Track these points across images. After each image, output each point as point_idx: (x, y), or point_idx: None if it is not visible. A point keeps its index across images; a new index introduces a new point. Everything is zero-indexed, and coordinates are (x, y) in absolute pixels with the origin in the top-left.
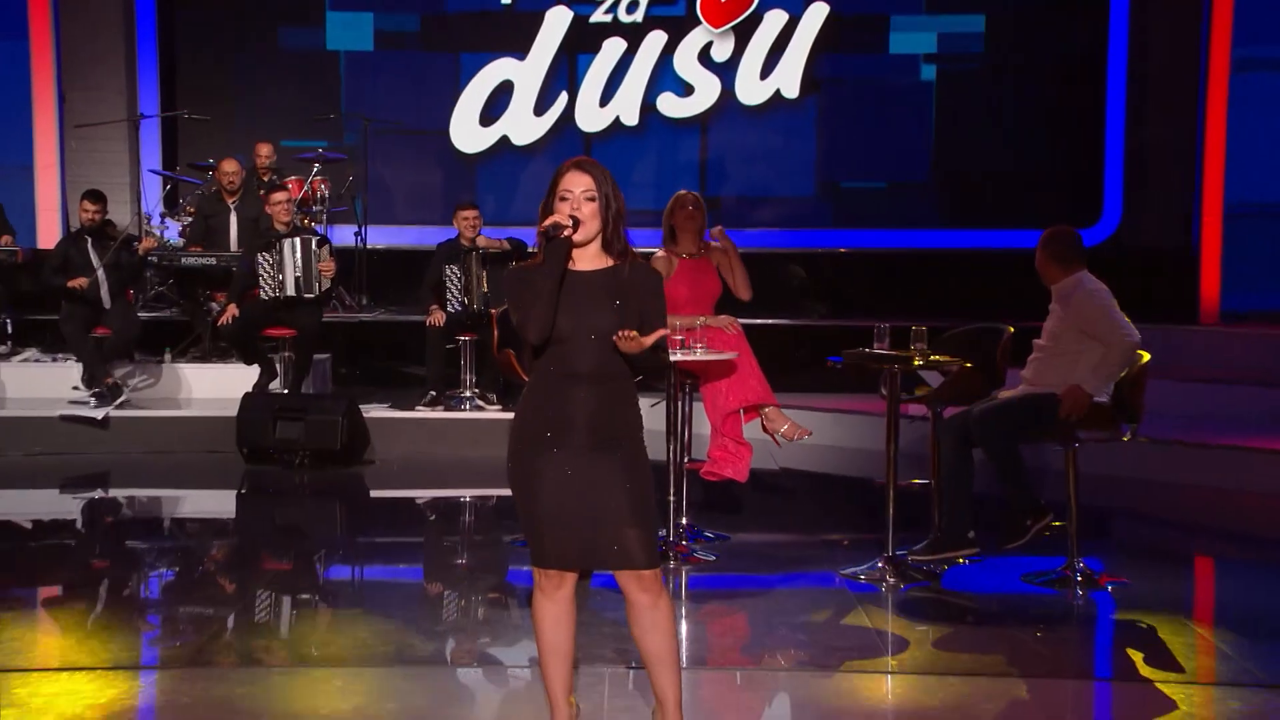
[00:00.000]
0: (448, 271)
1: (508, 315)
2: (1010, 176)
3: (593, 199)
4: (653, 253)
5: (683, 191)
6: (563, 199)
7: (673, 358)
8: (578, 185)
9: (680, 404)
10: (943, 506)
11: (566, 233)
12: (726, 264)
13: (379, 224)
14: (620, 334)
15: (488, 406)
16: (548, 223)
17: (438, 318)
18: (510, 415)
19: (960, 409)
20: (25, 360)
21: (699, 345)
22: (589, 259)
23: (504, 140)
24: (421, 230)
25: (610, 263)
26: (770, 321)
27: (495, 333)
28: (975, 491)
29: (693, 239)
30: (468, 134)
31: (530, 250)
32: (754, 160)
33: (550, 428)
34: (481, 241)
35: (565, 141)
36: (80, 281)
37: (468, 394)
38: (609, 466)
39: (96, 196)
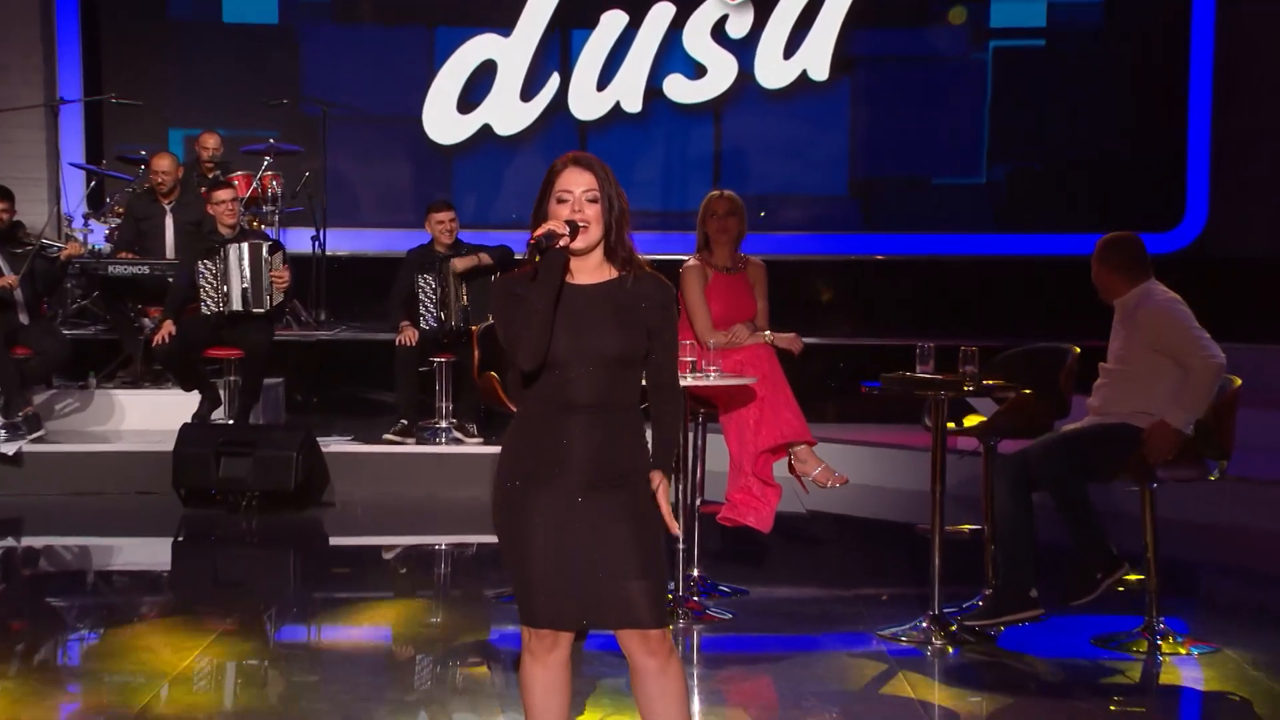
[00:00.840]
0: (420, 282)
1: (491, 332)
2: (1077, 172)
3: (595, 201)
4: (658, 260)
5: (714, 193)
6: (561, 201)
7: (683, 381)
8: (578, 185)
9: (693, 436)
10: (999, 558)
11: (564, 241)
12: (765, 287)
13: (340, 226)
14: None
15: (467, 439)
16: (541, 230)
17: (409, 336)
18: (495, 449)
19: (1018, 443)
20: None
21: (713, 369)
22: (589, 270)
23: (485, 130)
24: (389, 234)
25: (613, 274)
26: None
27: (476, 353)
28: (1037, 540)
29: (727, 250)
30: (443, 122)
31: (518, 258)
32: (776, 153)
33: (543, 464)
34: (459, 265)
35: (556, 131)
36: (8, 281)
37: (444, 424)
38: (611, 510)
39: (3, 194)
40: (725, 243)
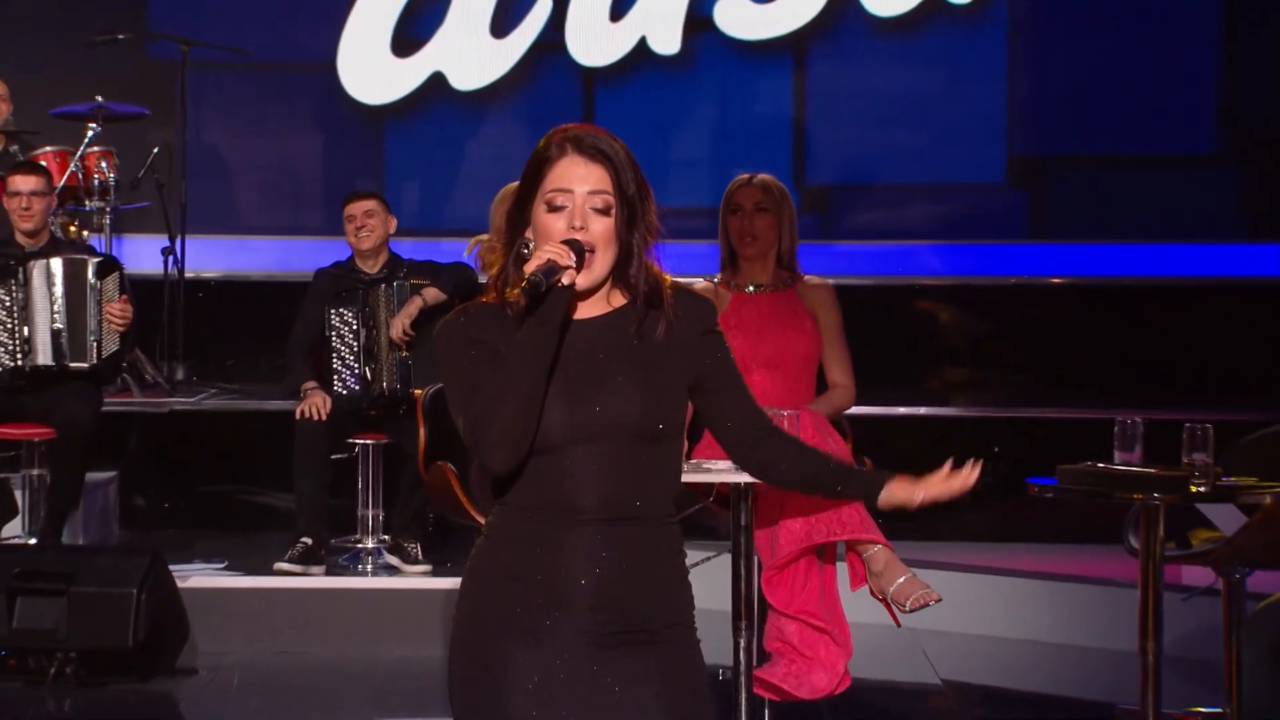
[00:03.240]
0: (335, 320)
1: (443, 398)
2: None
3: (607, 209)
4: (695, 281)
5: (741, 178)
6: (555, 208)
7: (687, 475)
8: (581, 182)
9: (754, 560)
10: None
11: (568, 277)
12: (830, 317)
13: (209, 233)
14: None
15: (407, 566)
16: (539, 263)
17: (316, 404)
18: (452, 584)
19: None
20: None
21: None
22: (589, 301)
23: (436, 82)
24: (286, 246)
25: (622, 300)
26: (907, 410)
27: (422, 432)
28: None
29: (760, 259)
30: (370, 70)
31: (478, 280)
32: (891, 118)
33: (529, 610)
34: (398, 327)
35: (547, 85)
36: None
37: (370, 544)
38: (633, 675)
39: None
40: (753, 255)
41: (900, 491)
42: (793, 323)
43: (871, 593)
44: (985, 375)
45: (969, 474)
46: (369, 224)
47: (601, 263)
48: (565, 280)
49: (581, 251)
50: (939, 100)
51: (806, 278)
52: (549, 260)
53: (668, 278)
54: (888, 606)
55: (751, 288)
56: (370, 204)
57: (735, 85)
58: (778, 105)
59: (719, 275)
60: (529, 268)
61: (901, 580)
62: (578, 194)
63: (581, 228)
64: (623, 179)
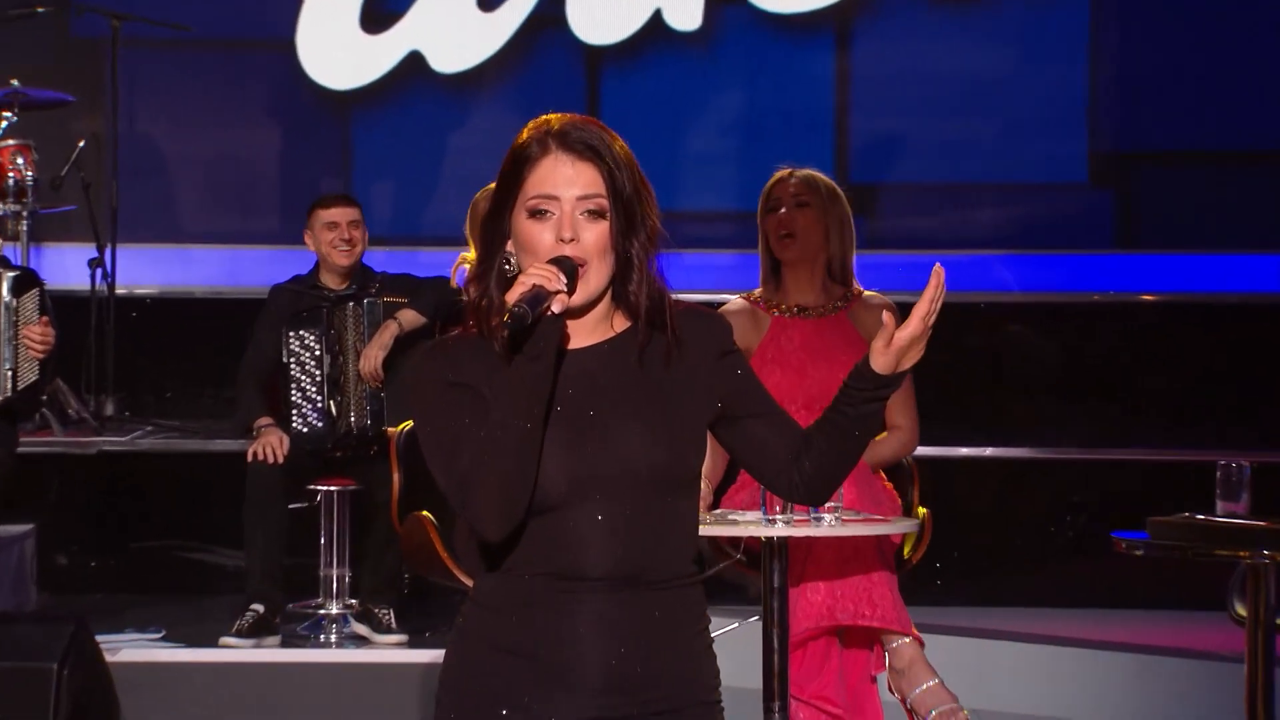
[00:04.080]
0: (294, 345)
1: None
2: None
3: (600, 213)
4: (719, 301)
5: (782, 173)
6: (538, 214)
7: (711, 528)
8: (569, 184)
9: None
10: None
11: (559, 303)
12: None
13: (144, 242)
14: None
15: (379, 637)
16: (519, 293)
17: (271, 444)
18: (433, 657)
19: None
20: None
21: (778, 515)
22: (584, 324)
23: (413, 62)
24: (235, 256)
25: (623, 324)
26: (971, 452)
27: (396, 478)
28: None
29: (805, 266)
30: (336, 49)
31: (457, 299)
32: (951, 106)
33: (525, 686)
34: (368, 362)
35: (543, 66)
36: None
37: (335, 609)
38: None
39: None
40: (798, 261)
41: (880, 355)
42: (844, 354)
43: (889, 689)
44: (1063, 410)
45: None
46: (354, 236)
47: (597, 276)
48: (556, 307)
49: (574, 271)
50: (1008, 85)
51: (865, 296)
52: (535, 286)
53: (670, 294)
54: (907, 711)
55: (795, 310)
56: (355, 212)
57: (767, 67)
58: (817, 91)
59: (757, 291)
60: (511, 296)
61: (927, 686)
62: (565, 198)
63: (572, 238)
64: (617, 178)
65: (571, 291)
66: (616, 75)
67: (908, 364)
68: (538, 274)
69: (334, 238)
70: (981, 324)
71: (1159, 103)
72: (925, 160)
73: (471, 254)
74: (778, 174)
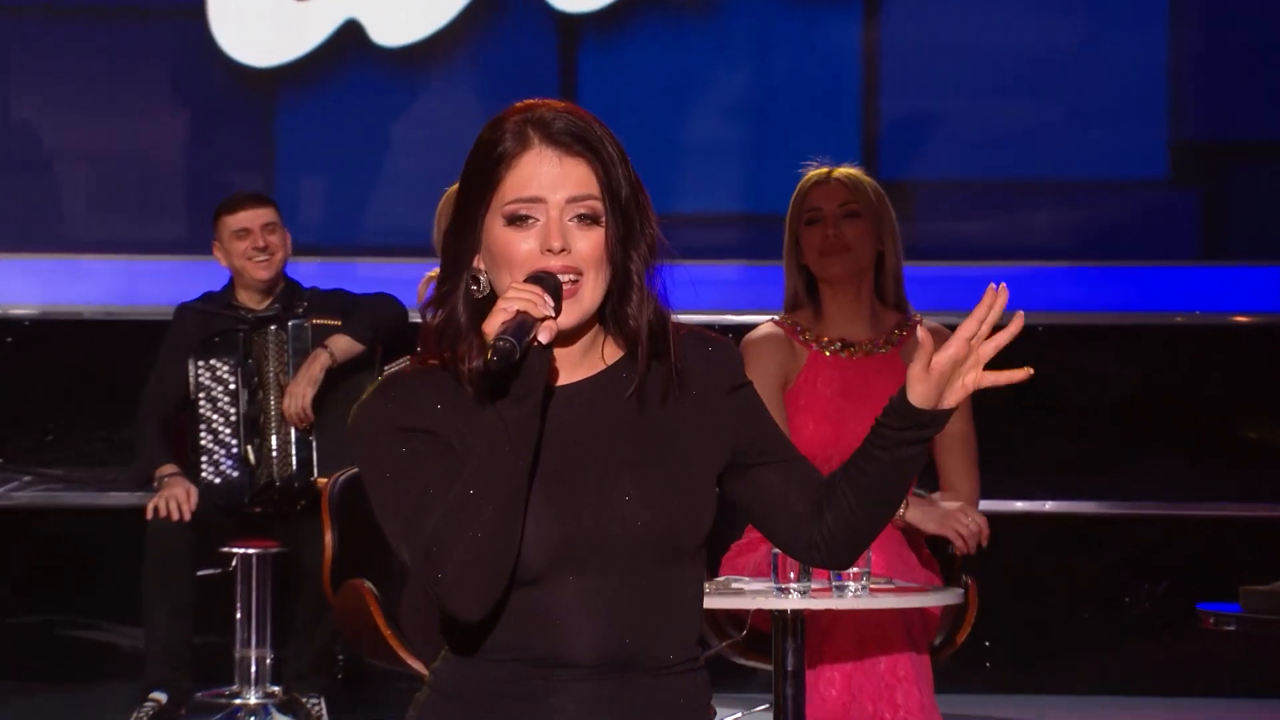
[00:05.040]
0: (204, 378)
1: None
2: None
3: (594, 218)
4: (731, 325)
5: (818, 172)
6: (516, 221)
7: (710, 598)
8: (556, 185)
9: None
10: None
11: (546, 332)
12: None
13: (20, 251)
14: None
15: None
16: (501, 322)
17: (177, 497)
18: None
19: None
20: None
21: (793, 583)
22: (571, 356)
23: (349, 34)
24: (132, 269)
25: (615, 355)
26: (1028, 506)
27: (329, 537)
28: None
29: (851, 286)
30: (255, 19)
31: (416, 317)
32: (1003, 86)
33: None
34: (295, 402)
35: (507, 38)
36: None
37: (253, 699)
38: None
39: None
40: (842, 277)
41: (919, 383)
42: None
43: None
44: (1138, 456)
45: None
46: (270, 243)
47: (592, 293)
48: (544, 336)
49: (558, 290)
50: (1072, 61)
51: (922, 328)
52: (519, 313)
53: (673, 316)
54: None
55: (839, 345)
56: (269, 213)
57: (779, 39)
58: (840, 68)
59: (785, 317)
60: (491, 326)
61: None
62: (552, 201)
63: (562, 248)
64: (613, 177)
65: (558, 314)
66: (596, 50)
67: (952, 400)
68: (520, 297)
69: (246, 247)
70: (1039, 350)
71: (1254, 84)
72: (970, 153)
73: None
74: (812, 174)
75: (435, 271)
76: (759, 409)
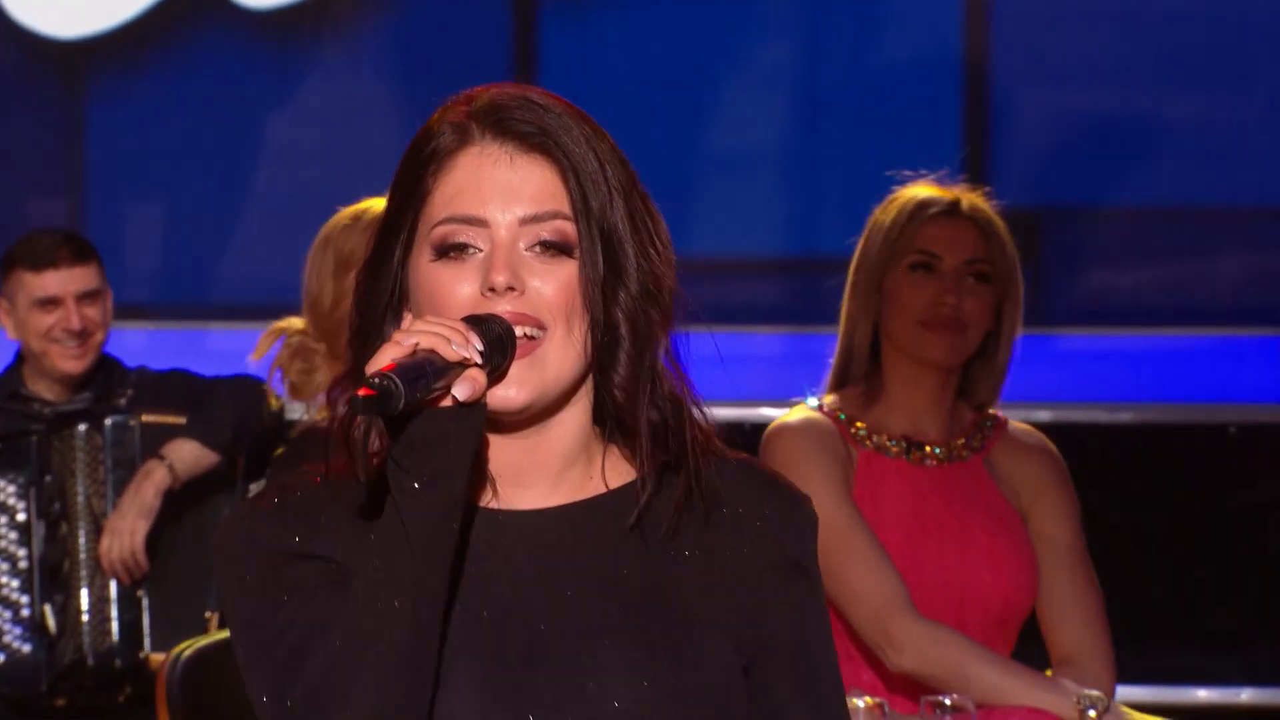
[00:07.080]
0: None
1: (208, 666)
2: None
3: (562, 242)
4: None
5: (925, 192)
6: (454, 250)
7: None
8: (507, 198)
9: None
10: None
11: (465, 386)
12: (1061, 520)
13: None
14: None
15: None
16: (392, 356)
17: None
18: None
19: None
20: None
21: None
22: (545, 464)
23: None
24: None
25: (619, 478)
26: (1216, 695)
27: None
28: None
29: (937, 391)
30: None
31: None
32: (1166, 75)
33: None
34: (114, 549)
35: (437, 4)
36: None
37: None
38: None
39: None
40: (943, 364)
41: None
42: (979, 525)
43: None
44: None
45: None
46: (88, 320)
47: (559, 356)
48: (461, 392)
49: (503, 338)
50: (1260, 41)
51: (1012, 428)
52: (419, 349)
53: (704, 412)
54: None
55: (905, 446)
56: (88, 275)
57: (828, 19)
58: (931, 43)
59: (832, 400)
60: (374, 363)
61: None
62: (498, 223)
63: (509, 286)
64: (590, 184)
65: (496, 370)
66: (567, 17)
67: None
68: (428, 330)
69: (52, 325)
70: (1227, 459)
71: None
72: (1118, 169)
73: (300, 323)
74: (925, 191)
75: (282, 324)
76: (814, 611)
